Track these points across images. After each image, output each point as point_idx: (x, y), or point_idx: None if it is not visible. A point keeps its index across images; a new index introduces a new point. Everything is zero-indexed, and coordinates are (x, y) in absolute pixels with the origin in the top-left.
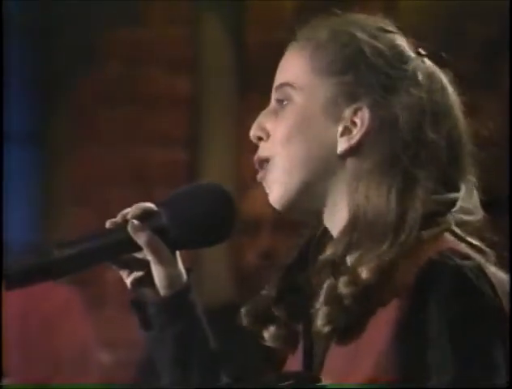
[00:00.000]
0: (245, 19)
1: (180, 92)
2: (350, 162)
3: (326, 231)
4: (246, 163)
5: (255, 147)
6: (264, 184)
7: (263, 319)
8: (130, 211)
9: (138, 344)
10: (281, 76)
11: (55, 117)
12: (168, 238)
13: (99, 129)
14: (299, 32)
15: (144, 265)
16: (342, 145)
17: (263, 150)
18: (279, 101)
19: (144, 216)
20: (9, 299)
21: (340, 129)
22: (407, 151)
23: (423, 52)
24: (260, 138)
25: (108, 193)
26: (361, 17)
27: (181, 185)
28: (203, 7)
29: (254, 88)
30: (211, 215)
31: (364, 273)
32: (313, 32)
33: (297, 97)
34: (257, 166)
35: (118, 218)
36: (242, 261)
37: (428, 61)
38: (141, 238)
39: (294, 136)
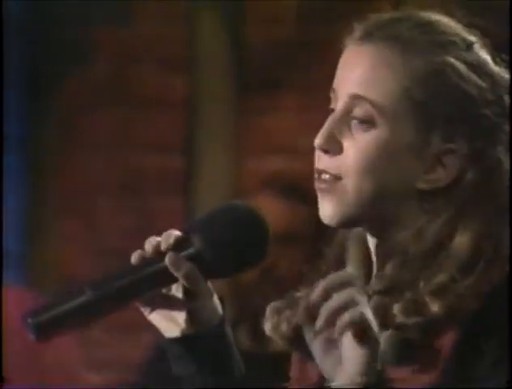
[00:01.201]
0: (243, 16)
1: (175, 94)
2: (429, 199)
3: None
4: (247, 170)
5: (256, 153)
6: (321, 194)
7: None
8: (161, 241)
9: (127, 367)
10: (359, 84)
11: (39, 120)
12: (202, 267)
13: (87, 133)
14: (376, 24)
15: (173, 300)
16: (425, 184)
17: (332, 166)
18: (355, 115)
19: (177, 245)
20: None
21: (426, 166)
22: (500, 198)
23: (502, 61)
24: (327, 151)
25: (97, 203)
26: (446, 25)
27: (176, 194)
28: (200, 3)
29: (254, 89)
30: (247, 239)
31: (434, 306)
32: (405, 47)
33: (383, 125)
34: (317, 175)
35: (149, 250)
36: (242, 277)
37: (506, 74)
38: (180, 272)
39: (373, 166)
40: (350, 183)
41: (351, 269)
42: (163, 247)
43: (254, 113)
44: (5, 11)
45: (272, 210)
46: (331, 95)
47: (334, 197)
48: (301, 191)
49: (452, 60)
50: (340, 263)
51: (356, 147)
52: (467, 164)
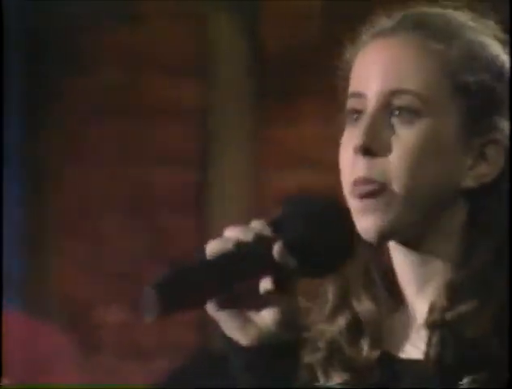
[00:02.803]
0: (261, 17)
1: (187, 102)
2: (474, 200)
3: None
4: (267, 185)
5: (277, 166)
6: (363, 206)
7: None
8: (258, 228)
9: None
10: (397, 78)
11: (39, 132)
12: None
13: (91, 146)
14: (396, 17)
15: (250, 297)
16: (471, 181)
17: (377, 171)
18: (394, 111)
19: (276, 236)
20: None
21: (470, 161)
22: None
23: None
24: (370, 152)
25: (102, 221)
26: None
27: (189, 211)
28: (214, 3)
29: (274, 97)
30: (342, 229)
31: None
32: (439, 32)
33: (428, 115)
34: (354, 186)
35: (248, 237)
36: None
37: None
38: (287, 264)
39: (420, 163)
40: (398, 188)
41: (366, 301)
42: (264, 234)
43: (274, 122)
44: (6, 18)
45: None
46: (353, 101)
47: (380, 207)
48: None
49: (487, 39)
50: (345, 296)
51: (400, 144)
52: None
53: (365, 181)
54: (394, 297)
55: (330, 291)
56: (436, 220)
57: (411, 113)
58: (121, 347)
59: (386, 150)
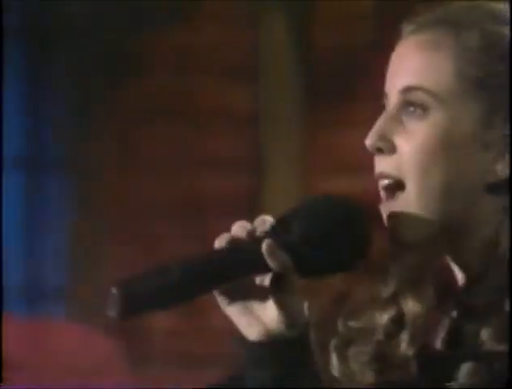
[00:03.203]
0: (313, 18)
1: (240, 106)
2: (501, 194)
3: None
4: (318, 188)
5: (328, 172)
6: (385, 211)
7: None
8: (256, 226)
9: None
10: (410, 75)
11: (90, 138)
12: (295, 259)
13: (143, 151)
14: (424, 15)
15: (259, 292)
16: (495, 174)
17: (390, 167)
18: (408, 108)
19: (272, 232)
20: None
21: (493, 155)
22: None
23: None
24: (380, 150)
25: (157, 227)
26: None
27: (242, 215)
28: (266, 6)
29: (326, 100)
30: (347, 236)
31: None
32: (454, 25)
33: (439, 110)
34: (379, 183)
35: (242, 234)
36: (315, 306)
37: None
38: (276, 261)
39: (432, 159)
40: (412, 187)
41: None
42: (258, 232)
43: (326, 127)
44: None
45: None
46: (384, 102)
47: (398, 208)
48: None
49: (507, 31)
50: (407, 290)
51: (411, 140)
52: None
53: (381, 175)
54: (448, 294)
55: (385, 286)
56: (465, 217)
57: (424, 109)
58: (171, 355)
59: (392, 149)
